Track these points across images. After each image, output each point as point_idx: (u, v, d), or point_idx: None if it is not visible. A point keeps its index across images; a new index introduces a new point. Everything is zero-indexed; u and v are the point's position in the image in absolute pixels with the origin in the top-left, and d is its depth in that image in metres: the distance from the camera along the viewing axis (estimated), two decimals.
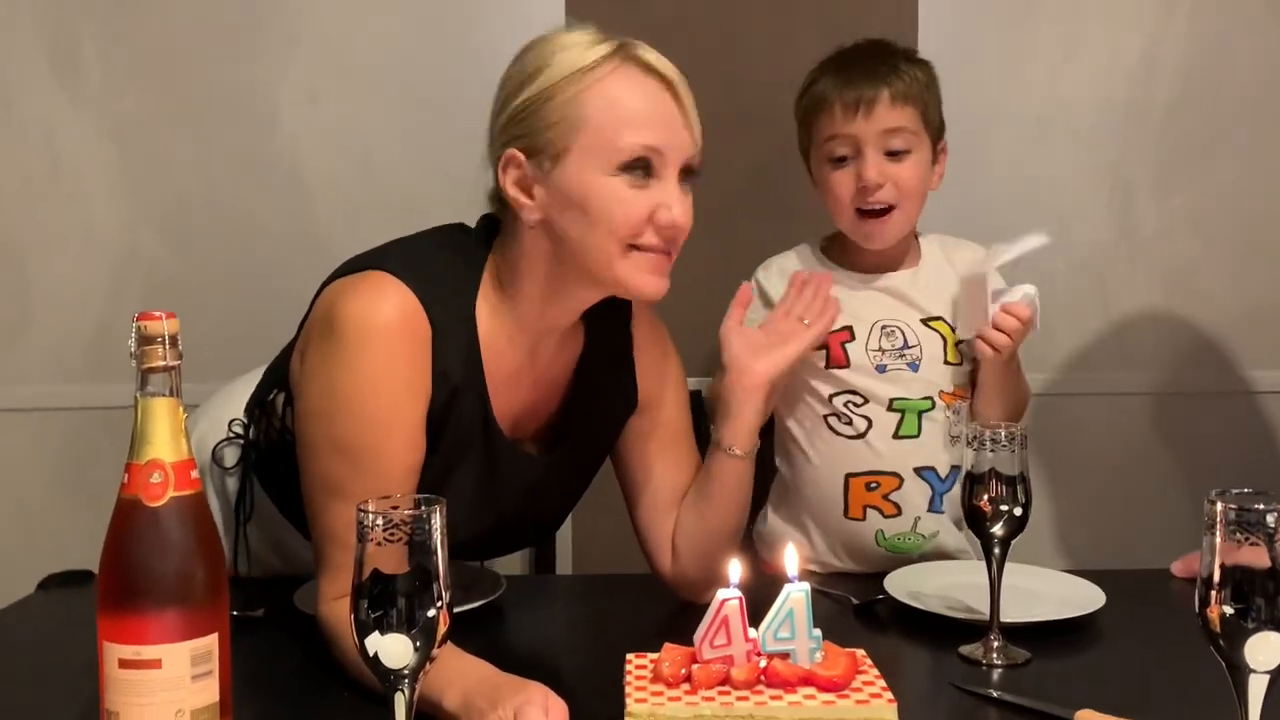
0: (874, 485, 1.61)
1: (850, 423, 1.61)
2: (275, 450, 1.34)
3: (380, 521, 0.84)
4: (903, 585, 1.40)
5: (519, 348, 1.29)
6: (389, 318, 1.18)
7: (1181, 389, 2.18)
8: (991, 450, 1.21)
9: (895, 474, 1.60)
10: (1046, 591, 1.39)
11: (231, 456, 1.40)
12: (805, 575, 1.47)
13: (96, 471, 2.08)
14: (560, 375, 1.37)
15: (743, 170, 2.09)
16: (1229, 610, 0.82)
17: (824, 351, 1.62)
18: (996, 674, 1.19)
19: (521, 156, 1.20)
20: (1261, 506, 0.82)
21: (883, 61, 1.59)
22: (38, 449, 2.14)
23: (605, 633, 1.42)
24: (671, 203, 1.20)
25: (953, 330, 1.62)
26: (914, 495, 1.61)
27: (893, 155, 1.57)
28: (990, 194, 2.11)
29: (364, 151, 2.07)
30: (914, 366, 1.61)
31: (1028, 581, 1.40)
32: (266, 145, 2.10)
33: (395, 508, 0.86)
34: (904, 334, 1.62)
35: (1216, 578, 0.83)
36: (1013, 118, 2.13)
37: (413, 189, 2.04)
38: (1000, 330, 1.52)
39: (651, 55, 1.21)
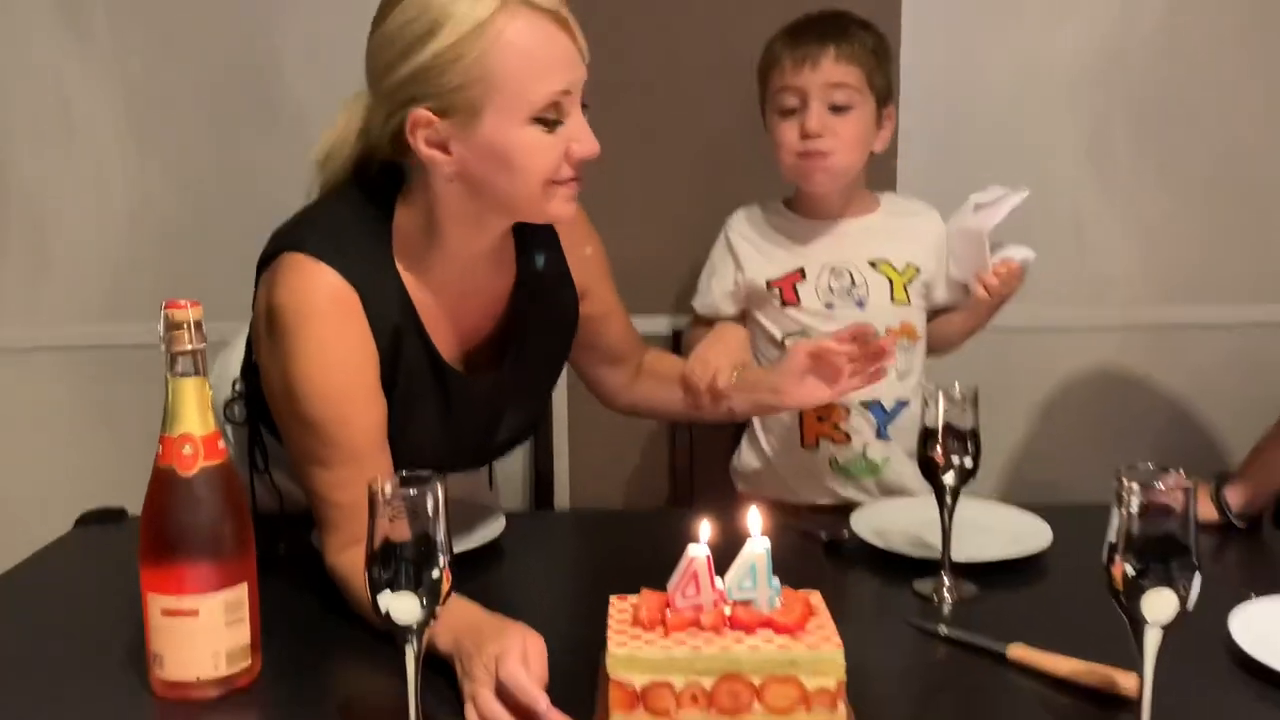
0: (823, 416, 1.76)
1: None
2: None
3: (389, 495, 0.95)
4: (868, 523, 1.51)
5: (451, 281, 1.34)
6: (320, 302, 1.24)
7: (1147, 322, 2.28)
8: (946, 407, 1.32)
9: (842, 405, 1.75)
10: (998, 527, 1.49)
11: (241, 412, 1.48)
12: (779, 508, 1.61)
13: (120, 406, 2.21)
14: (504, 289, 1.41)
15: (723, 122, 2.15)
16: (1130, 570, 0.94)
17: (778, 291, 1.75)
18: (947, 608, 1.31)
19: (432, 116, 1.20)
20: (1160, 485, 0.93)
21: (833, 25, 1.71)
22: (63, 385, 2.25)
23: (595, 570, 1.54)
24: (582, 136, 1.24)
25: (899, 273, 1.75)
26: (860, 424, 1.77)
27: (836, 110, 1.68)
28: (973, 151, 2.18)
29: None
30: (860, 304, 1.74)
31: (981, 516, 1.49)
32: (270, 94, 2.16)
33: (403, 482, 0.96)
34: (851, 275, 1.75)
35: (1121, 542, 0.94)
36: (994, 74, 2.19)
37: None
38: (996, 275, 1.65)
39: None
